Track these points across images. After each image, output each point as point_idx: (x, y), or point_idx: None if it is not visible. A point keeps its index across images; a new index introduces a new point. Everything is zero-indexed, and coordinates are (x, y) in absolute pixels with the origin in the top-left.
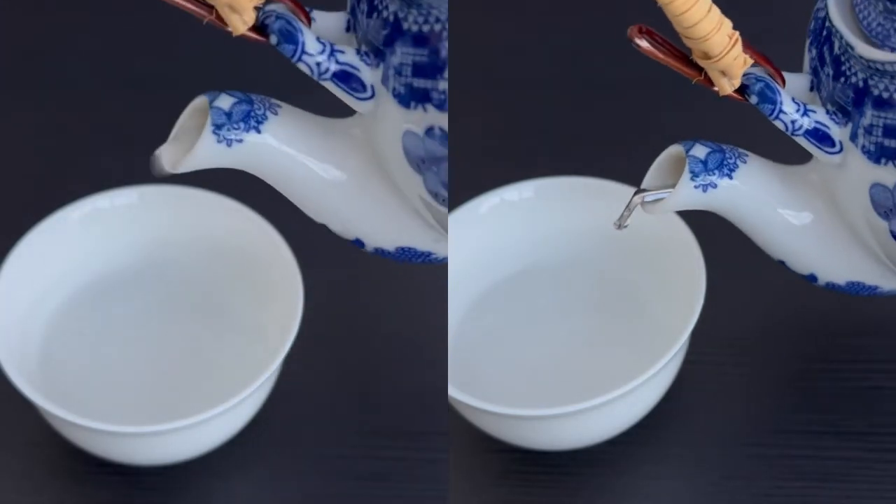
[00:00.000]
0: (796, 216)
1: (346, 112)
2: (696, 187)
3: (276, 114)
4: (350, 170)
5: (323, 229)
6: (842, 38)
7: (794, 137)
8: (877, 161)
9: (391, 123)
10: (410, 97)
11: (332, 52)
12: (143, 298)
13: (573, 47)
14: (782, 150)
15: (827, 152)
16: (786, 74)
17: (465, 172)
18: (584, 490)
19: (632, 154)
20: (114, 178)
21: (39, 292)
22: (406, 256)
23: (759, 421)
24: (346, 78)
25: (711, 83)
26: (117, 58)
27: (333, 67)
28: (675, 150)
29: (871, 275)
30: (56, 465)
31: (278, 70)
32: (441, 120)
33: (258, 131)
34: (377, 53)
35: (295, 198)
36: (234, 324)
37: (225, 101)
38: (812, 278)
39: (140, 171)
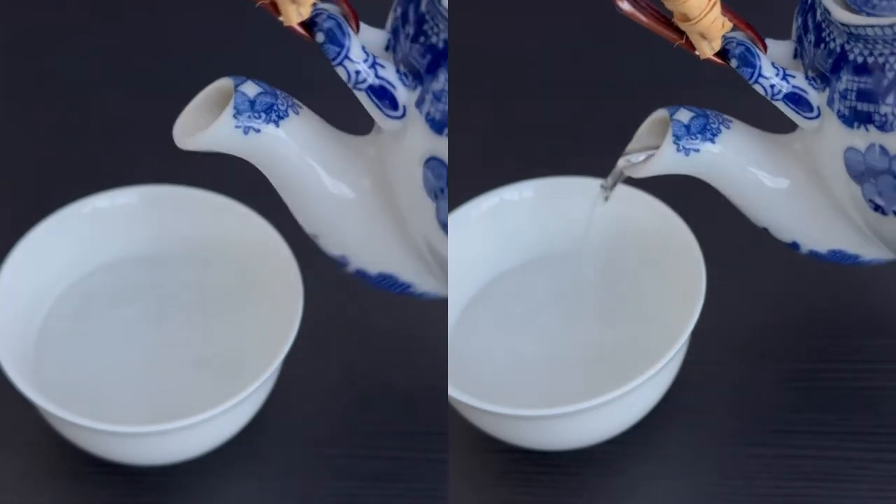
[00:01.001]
0: (777, 182)
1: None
2: (678, 151)
3: (297, 113)
4: (792, 181)
5: None
6: (822, 4)
7: (773, 102)
8: (850, 125)
9: (834, 140)
10: (854, 119)
11: (785, 76)
12: (143, 298)
13: (573, 47)
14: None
15: (805, 117)
16: (770, 41)
17: (465, 172)
18: (584, 490)
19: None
20: (114, 178)
21: (39, 292)
22: (837, 258)
23: (759, 421)
24: (796, 99)
25: (693, 47)
26: (117, 58)
27: (786, 89)
28: (660, 114)
29: (852, 243)
30: (56, 465)
31: (279, 71)
32: (883, 139)
33: (276, 125)
34: (823, 79)
35: (739, 202)
36: (233, 323)
37: (251, 89)
38: (795, 246)
39: (140, 171)
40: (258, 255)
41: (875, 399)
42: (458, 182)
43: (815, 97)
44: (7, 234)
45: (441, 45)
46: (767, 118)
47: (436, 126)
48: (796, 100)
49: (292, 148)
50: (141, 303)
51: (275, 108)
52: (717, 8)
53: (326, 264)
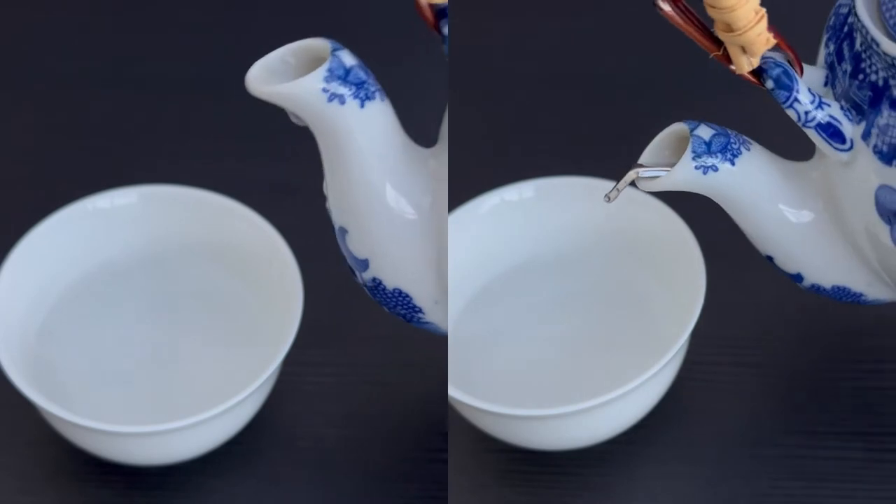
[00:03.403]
0: (794, 213)
1: None
2: (696, 168)
3: (748, 150)
4: (812, 211)
5: (323, 229)
6: (866, 33)
7: (804, 129)
8: (888, 162)
9: (866, 176)
10: (892, 156)
11: (821, 105)
12: (143, 299)
13: (573, 47)
14: (785, 154)
15: (837, 149)
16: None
17: (465, 172)
18: (584, 490)
19: (632, 154)
20: (114, 178)
21: (39, 292)
22: (839, 295)
23: (759, 421)
24: (829, 130)
25: (729, 60)
26: (117, 58)
27: (820, 118)
28: (678, 128)
29: (859, 281)
30: (56, 465)
31: None
32: None
33: (732, 164)
34: (859, 110)
35: (748, 227)
36: (233, 324)
37: (705, 132)
38: (798, 278)
39: (140, 171)
40: (258, 256)
41: (875, 399)
42: (458, 182)
43: (850, 130)
44: (7, 233)
45: (880, 82)
46: (773, 124)
47: (884, 158)
48: (831, 131)
49: (747, 182)
50: (141, 303)
51: (729, 147)
52: (765, 21)
53: (326, 264)
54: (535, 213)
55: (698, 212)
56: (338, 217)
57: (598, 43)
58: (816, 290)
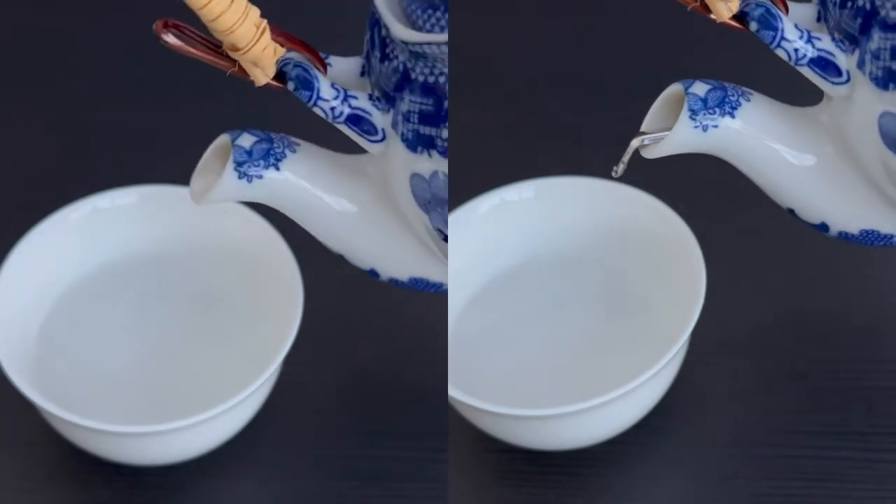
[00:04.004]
0: (804, 158)
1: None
2: (695, 127)
3: (294, 151)
4: (363, 204)
5: None
6: None
7: (798, 68)
8: (885, 87)
9: (400, 164)
10: (889, 79)
11: (346, 98)
12: (143, 299)
13: (573, 47)
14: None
15: (833, 83)
16: (791, 4)
17: (465, 172)
18: (584, 490)
19: (632, 154)
20: (114, 178)
21: (39, 292)
22: (869, 239)
23: (758, 421)
24: (358, 121)
25: (246, 74)
26: (117, 58)
27: (347, 111)
28: (675, 89)
29: (886, 222)
30: (56, 465)
31: None
32: (443, 165)
33: (277, 168)
34: (388, 99)
35: (312, 230)
36: (234, 324)
37: (246, 140)
38: (823, 227)
39: (140, 171)
40: (258, 256)
41: (875, 399)
42: (458, 182)
43: (844, 61)
44: (7, 234)
45: (868, 5)
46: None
47: (880, 83)
48: (823, 64)
49: (296, 183)
50: (141, 303)
51: (271, 152)
52: (268, 34)
53: (326, 264)
54: (535, 213)
55: (698, 212)
56: (332, 248)
57: (599, 43)
58: (845, 237)
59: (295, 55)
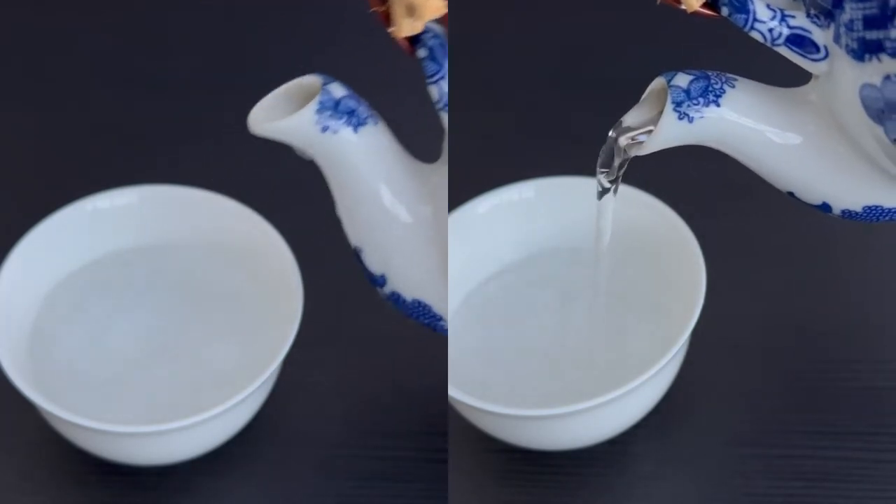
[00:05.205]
0: (793, 138)
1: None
2: (680, 119)
3: (732, 87)
4: (810, 135)
5: (323, 230)
6: None
7: (776, 49)
8: (861, 58)
9: (848, 79)
10: (864, 50)
11: (784, 18)
12: (143, 299)
13: (573, 47)
14: None
15: (812, 59)
16: None
17: (465, 172)
18: (584, 490)
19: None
20: (114, 178)
21: (39, 292)
22: (874, 215)
23: (759, 421)
24: (799, 41)
25: (389, 21)
26: (117, 58)
27: (786, 32)
28: (658, 83)
29: (889, 196)
30: (56, 465)
31: (278, 70)
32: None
33: (717, 105)
34: (827, 14)
35: (758, 167)
36: (233, 324)
37: (682, 80)
38: (826, 208)
39: (140, 171)
40: (258, 255)
41: (875, 399)
42: (458, 182)
43: (821, 36)
44: (7, 234)
45: None
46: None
47: (856, 55)
48: (799, 41)
49: (738, 120)
50: (141, 303)
51: (710, 88)
52: None
53: (326, 264)
54: (535, 213)
55: (698, 212)
56: (352, 238)
57: (599, 43)
58: (849, 215)
59: None
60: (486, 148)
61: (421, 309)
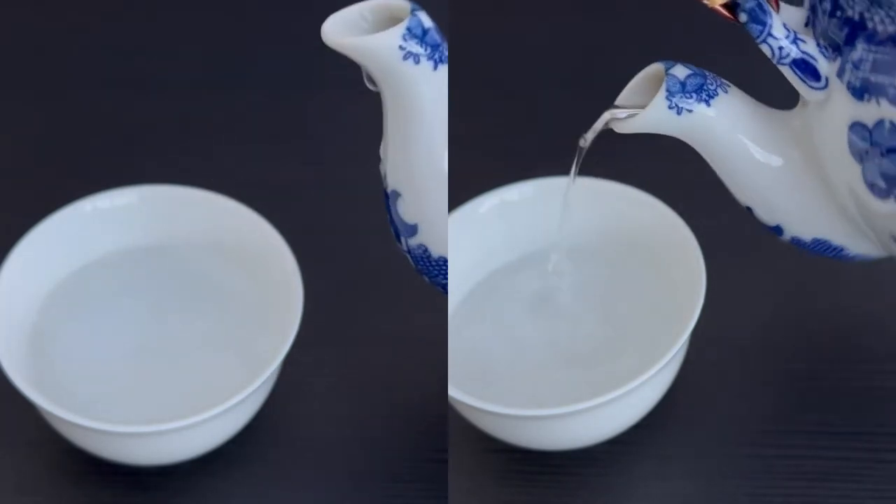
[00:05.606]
0: (769, 158)
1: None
2: (669, 108)
3: (725, 92)
4: (790, 160)
5: (323, 230)
6: None
7: (779, 67)
8: (860, 97)
9: (840, 113)
10: (866, 90)
11: (796, 40)
12: (142, 299)
13: (574, 47)
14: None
15: (811, 86)
16: (783, 6)
17: (465, 172)
18: (584, 490)
19: (633, 154)
20: (114, 178)
21: (39, 292)
22: (820, 248)
23: (759, 421)
24: (803, 66)
25: None
26: (117, 58)
27: (794, 54)
28: (655, 68)
29: (839, 234)
30: (56, 465)
31: (278, 70)
32: (893, 114)
33: (708, 104)
34: (835, 48)
35: (727, 176)
36: (233, 324)
37: (680, 71)
38: (778, 230)
39: (140, 171)
40: (258, 256)
41: (875, 399)
42: (458, 182)
43: (825, 67)
44: (7, 234)
45: (857, 17)
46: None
47: (857, 93)
48: (804, 67)
49: (724, 125)
50: (141, 304)
51: (704, 87)
52: None
53: (327, 264)
54: (535, 213)
55: (698, 212)
56: (392, 180)
57: (599, 43)
58: (797, 243)
59: None
60: (486, 148)
61: (822, 245)
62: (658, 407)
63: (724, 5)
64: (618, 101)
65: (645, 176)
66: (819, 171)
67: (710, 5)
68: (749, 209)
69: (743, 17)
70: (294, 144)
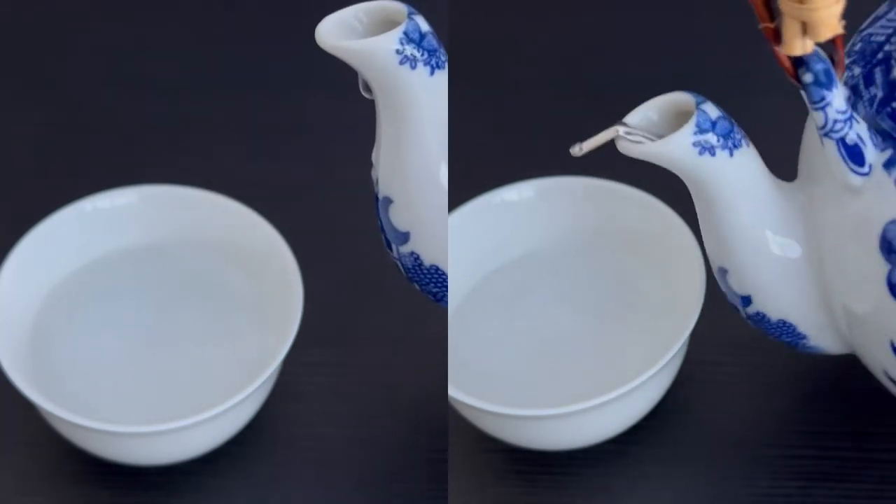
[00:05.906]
0: (769, 226)
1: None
2: (694, 144)
3: (748, 146)
4: (789, 234)
5: (323, 230)
6: None
7: (823, 139)
8: None
9: (878, 206)
10: None
11: (851, 118)
12: (142, 299)
13: (573, 47)
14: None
15: (853, 170)
16: None
17: (465, 172)
18: (584, 490)
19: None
20: (114, 178)
21: (39, 293)
22: (780, 331)
23: (759, 421)
24: (851, 148)
25: (778, 39)
26: (117, 58)
27: (846, 133)
28: (679, 97)
29: (809, 323)
30: (56, 465)
31: (278, 70)
32: None
33: (730, 155)
34: (886, 137)
35: (715, 232)
36: (233, 324)
37: (712, 110)
38: (745, 301)
39: (140, 171)
40: (258, 255)
41: (875, 399)
42: (458, 182)
43: (872, 155)
44: (7, 234)
45: None
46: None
47: None
48: (852, 150)
49: (738, 178)
50: (141, 304)
51: (732, 135)
52: (842, 3)
53: (326, 264)
54: (535, 213)
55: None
56: (384, 186)
57: (599, 43)
58: (759, 319)
59: (819, 49)
60: (487, 148)
61: (436, 275)
62: (658, 407)
63: (791, 58)
64: (627, 120)
65: (645, 176)
66: (811, 253)
67: (784, 52)
68: (722, 271)
69: (808, 78)
70: (294, 144)
